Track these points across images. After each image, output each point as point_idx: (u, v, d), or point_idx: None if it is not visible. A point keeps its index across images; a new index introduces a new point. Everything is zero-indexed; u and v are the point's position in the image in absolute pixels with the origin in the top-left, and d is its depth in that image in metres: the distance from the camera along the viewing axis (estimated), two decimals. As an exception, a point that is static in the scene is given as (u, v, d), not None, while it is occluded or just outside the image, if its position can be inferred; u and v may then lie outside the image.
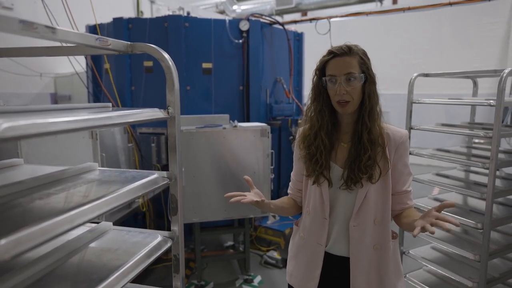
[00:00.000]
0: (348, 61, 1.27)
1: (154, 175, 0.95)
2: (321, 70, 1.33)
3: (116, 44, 0.92)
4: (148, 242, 0.95)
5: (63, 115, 0.66)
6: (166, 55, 0.96)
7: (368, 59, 1.32)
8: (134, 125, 3.59)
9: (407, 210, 1.39)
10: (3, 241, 0.54)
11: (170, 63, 0.96)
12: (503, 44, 6.62)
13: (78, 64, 3.96)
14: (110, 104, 0.98)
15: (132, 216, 3.60)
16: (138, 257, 0.87)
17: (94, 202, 0.70)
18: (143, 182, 0.88)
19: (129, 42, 0.97)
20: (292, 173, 1.56)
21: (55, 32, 0.72)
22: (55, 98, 5.65)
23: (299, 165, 1.47)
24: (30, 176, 0.86)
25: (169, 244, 0.98)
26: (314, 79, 1.37)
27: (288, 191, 1.58)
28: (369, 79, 1.30)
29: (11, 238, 0.55)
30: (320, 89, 1.35)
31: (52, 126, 0.58)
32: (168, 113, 0.97)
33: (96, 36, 0.85)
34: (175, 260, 1.03)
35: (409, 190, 1.39)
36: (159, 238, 0.98)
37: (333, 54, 1.29)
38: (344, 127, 1.38)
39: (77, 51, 1.00)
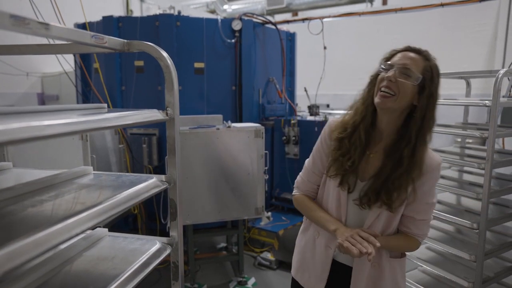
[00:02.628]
0: (415, 58, 1.16)
1: (153, 179, 0.91)
2: (387, 60, 1.22)
3: (112, 42, 0.88)
4: (146, 250, 0.91)
5: (59, 117, 0.61)
6: (165, 54, 0.92)
7: (438, 76, 1.19)
8: (124, 126, 3.51)
9: (408, 235, 1.29)
10: (-6, 255, 0.50)
11: (169, 62, 0.92)
12: (491, 45, 6.72)
13: (67, 63, 3.87)
14: (105, 105, 0.93)
15: (123, 219, 3.53)
16: (137, 265, 0.83)
17: (92, 209, 0.65)
18: (142, 186, 0.84)
19: (125, 40, 0.93)
20: (309, 165, 1.40)
21: (49, 28, 0.68)
22: (42, 98, 5.52)
23: (323, 157, 1.33)
24: (21, 182, 0.81)
25: (168, 251, 0.94)
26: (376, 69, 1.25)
27: (299, 186, 1.44)
28: (426, 92, 1.15)
29: (3, 251, 0.50)
30: (374, 78, 1.23)
31: (48, 129, 0.54)
32: (167, 114, 0.93)
33: (92, 33, 0.80)
34: (174, 267, 0.99)
35: (422, 219, 1.27)
36: (157, 245, 0.94)
37: (406, 48, 1.20)
38: (376, 134, 1.25)
39: (71, 49, 0.96)
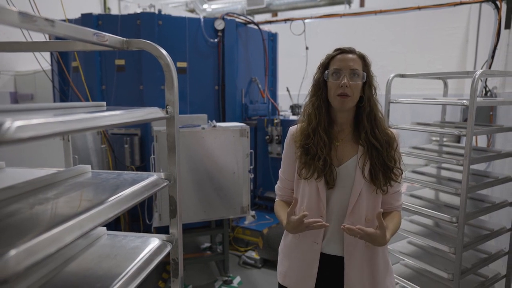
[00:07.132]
0: (355, 59, 1.33)
1: (154, 176, 0.91)
2: (325, 66, 1.37)
3: (112, 40, 0.88)
4: (147, 247, 0.92)
5: (68, 114, 0.61)
6: (165, 52, 0.93)
7: (370, 66, 1.37)
8: (106, 126, 3.45)
9: (392, 213, 1.41)
10: (13, 251, 0.50)
11: (169, 60, 0.93)
12: (462, 47, 7.00)
13: (44, 60, 3.75)
14: (104, 103, 0.93)
15: (104, 220, 3.46)
16: (140, 262, 0.84)
17: (102, 206, 0.65)
18: (145, 183, 0.84)
19: (124, 38, 0.93)
20: (281, 174, 1.51)
21: (54, 25, 0.67)
22: (15, 97, 5.32)
23: (292, 164, 1.44)
24: (20, 181, 0.80)
25: (169, 248, 0.95)
26: (316, 75, 1.39)
27: (278, 192, 1.53)
28: (368, 83, 1.35)
29: (22, 247, 0.50)
30: (320, 84, 1.37)
31: (63, 126, 0.54)
32: (167, 112, 0.93)
33: (94, 31, 0.80)
34: (174, 264, 1.00)
35: (397, 191, 1.41)
36: (158, 242, 0.94)
37: (340, 51, 1.35)
38: (335, 128, 1.40)
39: (68, 47, 0.95)
